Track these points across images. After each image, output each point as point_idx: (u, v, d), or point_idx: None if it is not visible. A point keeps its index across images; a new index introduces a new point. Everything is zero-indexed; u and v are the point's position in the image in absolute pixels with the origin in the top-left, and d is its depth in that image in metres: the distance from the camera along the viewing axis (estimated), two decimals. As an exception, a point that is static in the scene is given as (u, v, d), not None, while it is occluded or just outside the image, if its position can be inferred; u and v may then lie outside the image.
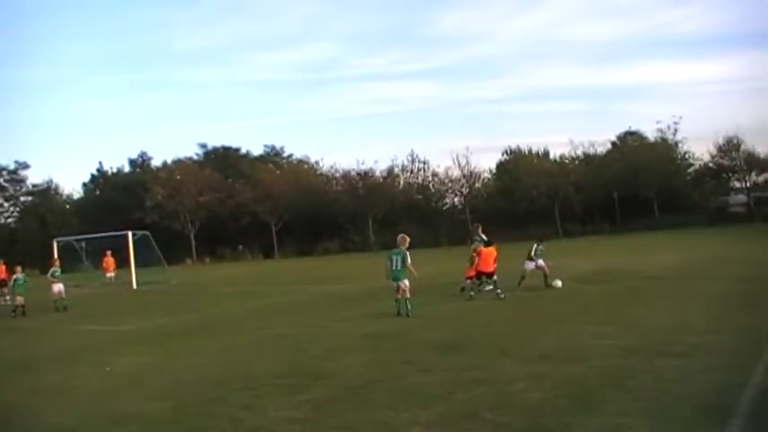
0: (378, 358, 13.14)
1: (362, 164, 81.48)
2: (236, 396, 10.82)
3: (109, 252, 44.40)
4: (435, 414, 8.88)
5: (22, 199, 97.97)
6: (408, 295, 18.89)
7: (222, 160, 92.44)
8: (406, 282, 18.97)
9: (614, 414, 8.27)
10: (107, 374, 13.80)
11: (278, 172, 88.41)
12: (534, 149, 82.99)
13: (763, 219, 66.40)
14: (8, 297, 32.75)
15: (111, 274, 43.54)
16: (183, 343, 17.38)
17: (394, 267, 19.12)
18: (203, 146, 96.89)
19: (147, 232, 46.30)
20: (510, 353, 12.71)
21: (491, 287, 22.41)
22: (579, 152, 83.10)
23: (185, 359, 14.90)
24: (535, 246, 24.43)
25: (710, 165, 78.66)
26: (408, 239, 19.71)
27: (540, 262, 24.00)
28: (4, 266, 37.62)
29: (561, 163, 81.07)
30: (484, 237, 24.94)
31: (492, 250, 22.64)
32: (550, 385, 9.93)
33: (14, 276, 29.44)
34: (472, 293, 21.98)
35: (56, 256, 40.40)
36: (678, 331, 13.50)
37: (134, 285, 40.65)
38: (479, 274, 22.40)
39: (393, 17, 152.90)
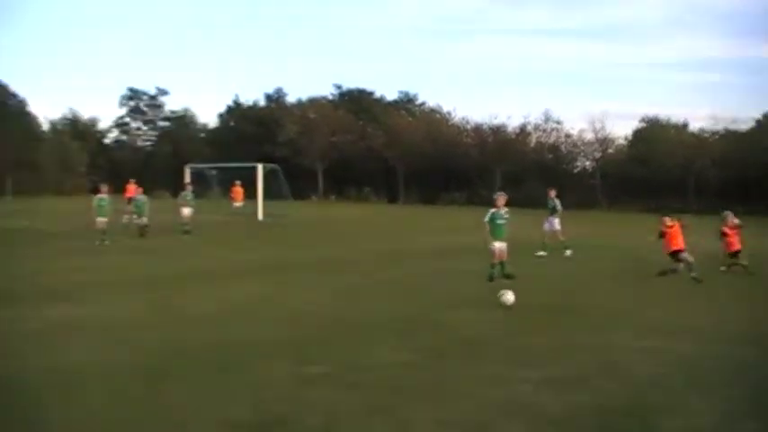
0: (492, 315, 13.16)
1: (495, 118, 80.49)
2: (350, 334, 11.11)
3: (238, 182, 44.62)
4: (545, 374, 8.91)
5: (160, 124, 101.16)
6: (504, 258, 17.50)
7: (356, 102, 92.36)
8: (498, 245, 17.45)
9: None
10: (222, 299, 14.26)
11: (410, 119, 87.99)
12: (673, 120, 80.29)
13: None
14: (135, 215, 34.16)
15: (238, 204, 43.76)
16: (301, 277, 17.82)
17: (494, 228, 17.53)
18: (338, 87, 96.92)
19: (276, 166, 46.92)
20: (620, 323, 12.55)
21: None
22: (720, 127, 79.80)
23: (302, 293, 15.29)
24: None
25: None
26: (506, 198, 18.28)
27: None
28: (134, 186, 39.10)
29: (700, 137, 78.13)
30: (557, 202, 24.82)
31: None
32: (662, 361, 9.78)
33: (135, 197, 30.52)
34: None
35: (189, 182, 41.82)
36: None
37: (259, 217, 41.41)
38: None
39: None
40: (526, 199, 56.37)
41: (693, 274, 18.04)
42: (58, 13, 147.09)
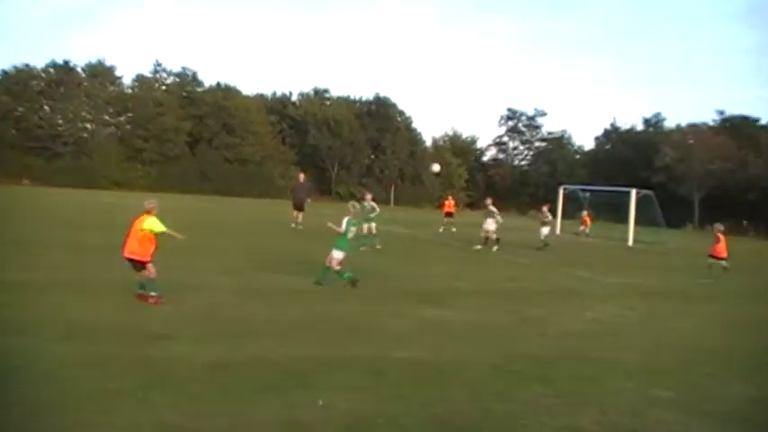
0: None
1: None
2: (703, 364, 11.35)
3: (584, 212, 46.97)
4: None
5: (537, 144, 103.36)
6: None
7: (738, 130, 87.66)
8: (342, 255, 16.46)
9: None
10: (587, 319, 14.73)
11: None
12: None
13: None
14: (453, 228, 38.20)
15: (584, 228, 45.71)
16: (663, 304, 17.88)
17: (348, 235, 16.61)
18: (721, 112, 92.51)
19: (650, 192, 46.18)
20: None
21: None
22: None
23: (663, 320, 15.44)
24: None
25: None
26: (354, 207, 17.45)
27: None
28: (452, 202, 42.81)
29: None
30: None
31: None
32: None
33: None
34: None
35: (561, 202, 43.10)
36: None
37: (629, 242, 41.14)
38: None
39: None
40: None
41: None
42: (441, 39, 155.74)
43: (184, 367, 9.03)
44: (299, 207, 33.03)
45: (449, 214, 41.24)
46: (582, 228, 46.12)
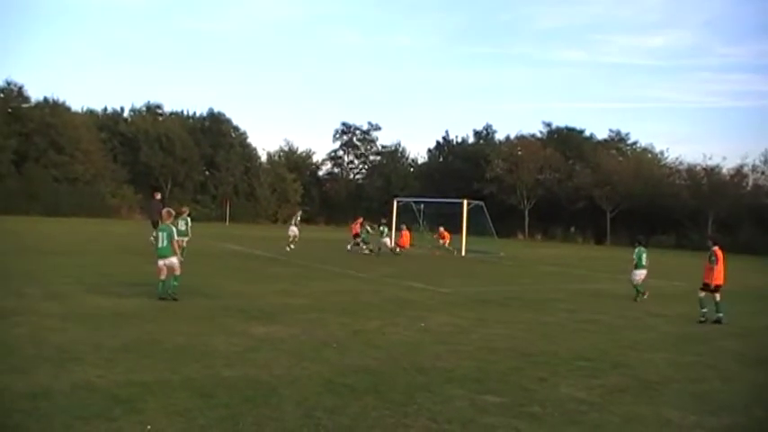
0: (682, 359, 13.12)
1: (709, 159, 77.08)
2: (533, 368, 11.40)
3: (441, 228, 46.16)
4: (723, 424, 8.95)
5: (371, 158, 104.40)
6: (177, 272, 17.49)
7: (565, 141, 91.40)
8: (173, 260, 17.42)
9: None
10: (421, 329, 14.87)
11: (620, 158, 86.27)
12: None
13: None
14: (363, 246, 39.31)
15: (443, 242, 45.73)
16: (496, 312, 18.17)
17: (159, 245, 17.52)
18: (548, 124, 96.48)
19: (481, 203, 47.38)
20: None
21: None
22: None
23: (495, 327, 15.63)
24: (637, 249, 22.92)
25: None
26: (174, 214, 18.87)
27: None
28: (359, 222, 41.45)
29: None
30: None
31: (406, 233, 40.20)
32: None
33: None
34: None
35: (395, 214, 43.76)
36: None
37: (463, 252, 42.03)
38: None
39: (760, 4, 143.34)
40: (741, 245, 54.24)
41: None
42: (277, 52, 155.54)
43: (6, 398, 8.49)
44: (156, 225, 32.08)
45: (356, 234, 40.80)
46: (441, 242, 44.30)
